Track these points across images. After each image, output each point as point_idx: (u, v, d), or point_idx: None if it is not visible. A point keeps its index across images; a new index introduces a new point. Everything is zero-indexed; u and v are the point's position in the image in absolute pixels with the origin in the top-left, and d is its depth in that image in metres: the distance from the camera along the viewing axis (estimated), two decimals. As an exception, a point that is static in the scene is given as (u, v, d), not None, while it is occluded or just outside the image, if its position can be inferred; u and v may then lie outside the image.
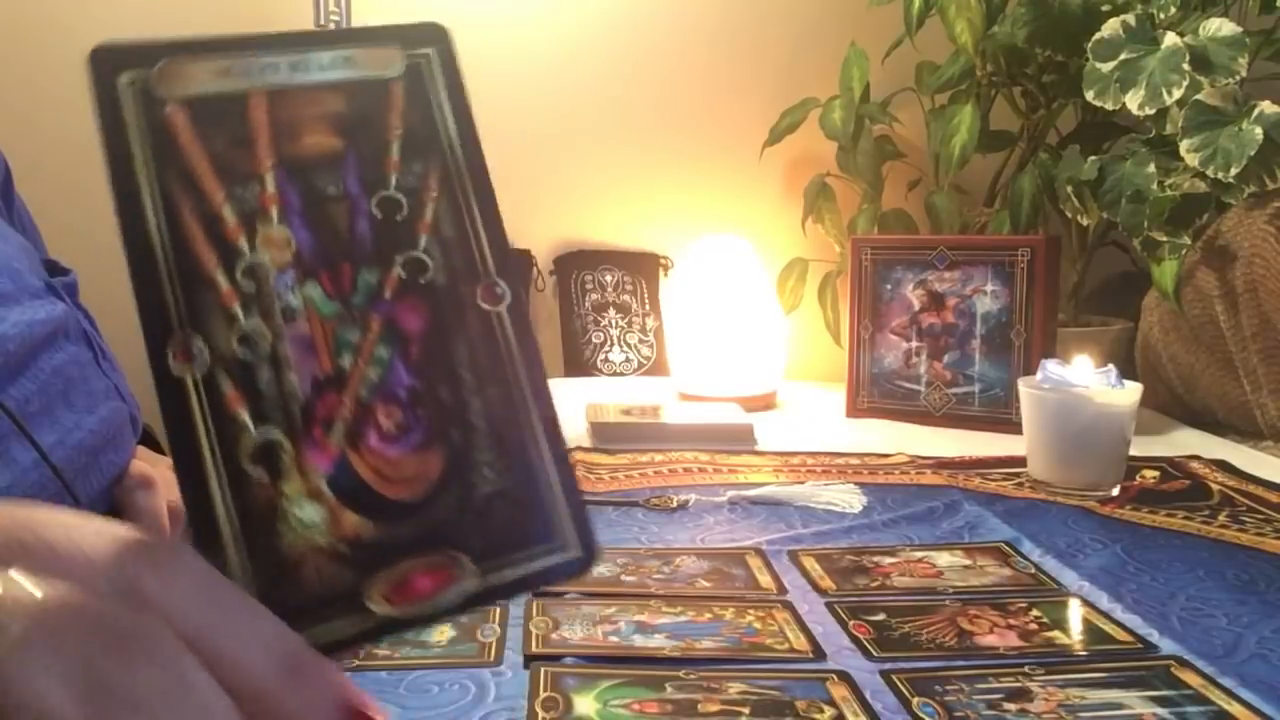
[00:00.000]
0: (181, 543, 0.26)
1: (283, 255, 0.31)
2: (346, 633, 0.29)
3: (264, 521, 0.29)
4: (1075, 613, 0.60)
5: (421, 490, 0.30)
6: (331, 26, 1.43)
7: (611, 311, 1.63)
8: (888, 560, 0.69)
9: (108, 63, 0.32)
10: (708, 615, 0.59)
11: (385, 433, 0.30)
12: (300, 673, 0.25)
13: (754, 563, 0.68)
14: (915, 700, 0.49)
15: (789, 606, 0.60)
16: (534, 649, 0.54)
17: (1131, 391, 0.84)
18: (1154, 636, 0.56)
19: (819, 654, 0.54)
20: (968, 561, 0.69)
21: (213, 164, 0.31)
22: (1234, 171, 1.01)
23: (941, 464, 0.94)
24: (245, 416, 0.30)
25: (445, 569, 0.30)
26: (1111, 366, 0.86)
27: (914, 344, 1.16)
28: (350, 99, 0.33)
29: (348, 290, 0.31)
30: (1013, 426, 1.04)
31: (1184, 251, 1.09)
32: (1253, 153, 1.00)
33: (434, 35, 0.34)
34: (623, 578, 0.65)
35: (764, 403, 1.27)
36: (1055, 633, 0.57)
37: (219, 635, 0.25)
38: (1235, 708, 0.48)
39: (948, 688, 0.50)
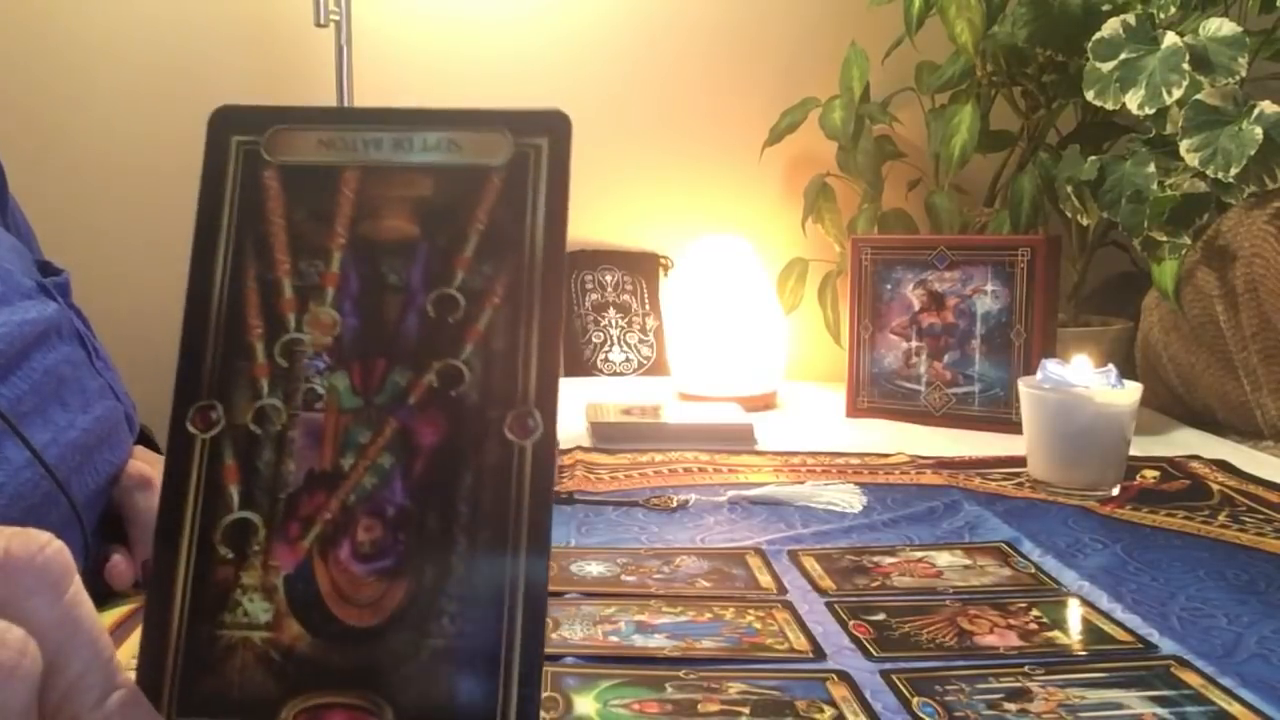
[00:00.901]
0: (66, 561, 0.27)
1: (324, 338, 0.30)
2: None
3: (214, 601, 0.28)
4: (1075, 613, 0.60)
5: (373, 621, 0.28)
6: (331, 23, 1.43)
7: (611, 311, 1.63)
8: (888, 560, 0.69)
9: (225, 123, 0.32)
10: (708, 615, 0.59)
11: (359, 548, 0.29)
12: (122, 713, 0.26)
13: (754, 563, 0.68)
14: (915, 700, 0.49)
15: (789, 606, 0.60)
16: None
17: (1131, 391, 0.84)
18: (1154, 636, 0.56)
19: (819, 654, 0.54)
20: (968, 561, 0.69)
21: (288, 233, 0.31)
22: (1234, 171, 1.01)
23: (941, 464, 0.94)
24: (233, 492, 0.29)
25: (365, 715, 0.28)
26: (1111, 366, 0.86)
27: (914, 344, 1.16)
28: (441, 185, 0.32)
29: (374, 387, 0.30)
30: (1013, 426, 1.04)
31: (1184, 251, 1.09)
32: (1253, 153, 1.00)
33: (551, 124, 0.32)
34: (623, 578, 0.65)
35: (764, 403, 1.27)
36: (1055, 633, 0.57)
37: (63, 652, 0.26)
38: (1235, 708, 0.48)
39: (948, 688, 0.50)
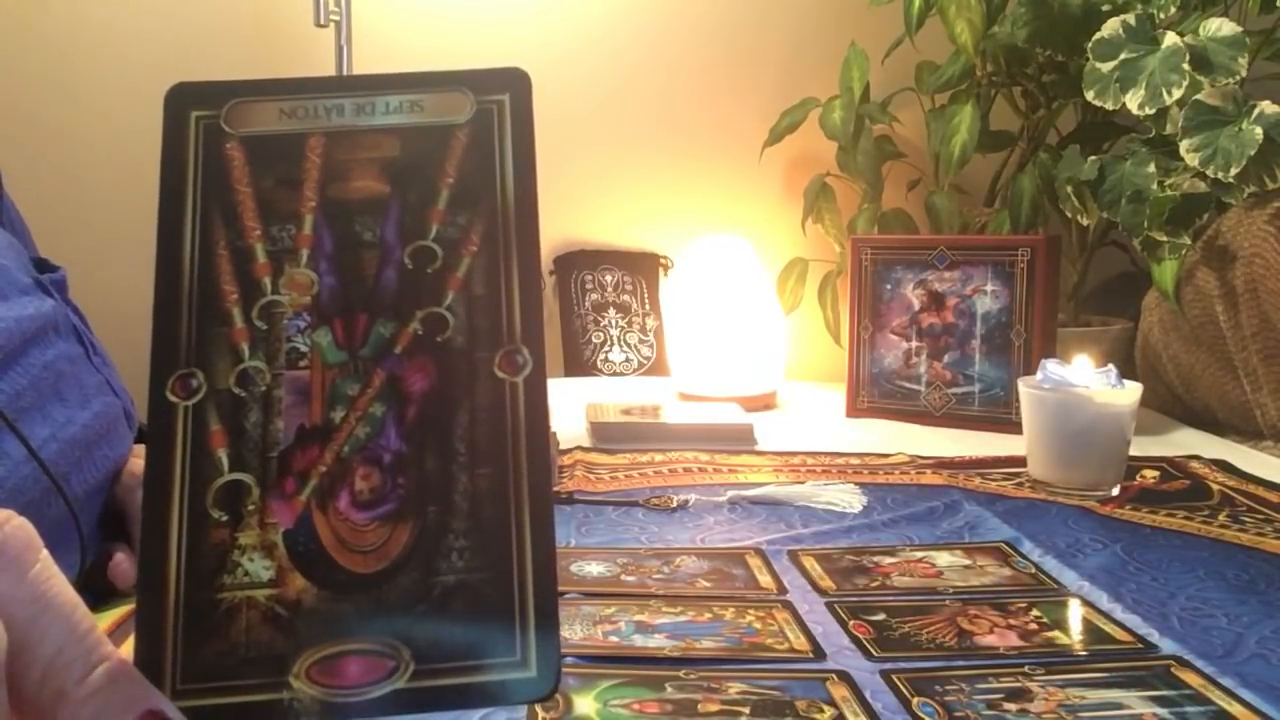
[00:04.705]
0: (29, 536, 0.26)
1: (303, 298, 0.31)
2: (257, 701, 0.27)
3: (211, 565, 0.28)
4: (1075, 613, 0.60)
5: (379, 565, 0.29)
6: (331, 23, 1.43)
7: (611, 311, 1.63)
8: (888, 560, 0.69)
9: (182, 100, 0.33)
10: (708, 615, 0.59)
11: (357, 496, 0.29)
12: (110, 688, 0.25)
13: (754, 563, 0.68)
14: (915, 700, 0.49)
15: (789, 606, 0.60)
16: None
17: (1131, 391, 0.84)
18: (1154, 636, 0.56)
19: (819, 654, 0.54)
20: (968, 561, 0.69)
21: (256, 201, 0.31)
22: (1234, 171, 1.01)
23: (941, 464, 0.94)
24: (222, 456, 0.29)
25: (382, 659, 0.28)
26: (1111, 366, 0.86)
27: (914, 344, 1.16)
28: (408, 144, 0.32)
29: (358, 340, 0.31)
30: (1013, 426, 1.04)
31: (1184, 251, 1.09)
32: (1253, 153, 1.00)
33: (511, 81, 0.33)
34: (623, 578, 0.65)
35: (764, 403, 1.27)
36: (1055, 633, 0.57)
37: (35, 629, 0.25)
38: (1235, 708, 0.48)
39: (948, 688, 0.50)
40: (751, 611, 0.59)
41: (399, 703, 0.27)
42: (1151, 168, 1.09)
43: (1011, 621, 0.58)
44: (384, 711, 0.27)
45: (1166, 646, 0.55)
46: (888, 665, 0.53)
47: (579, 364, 1.59)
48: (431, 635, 0.28)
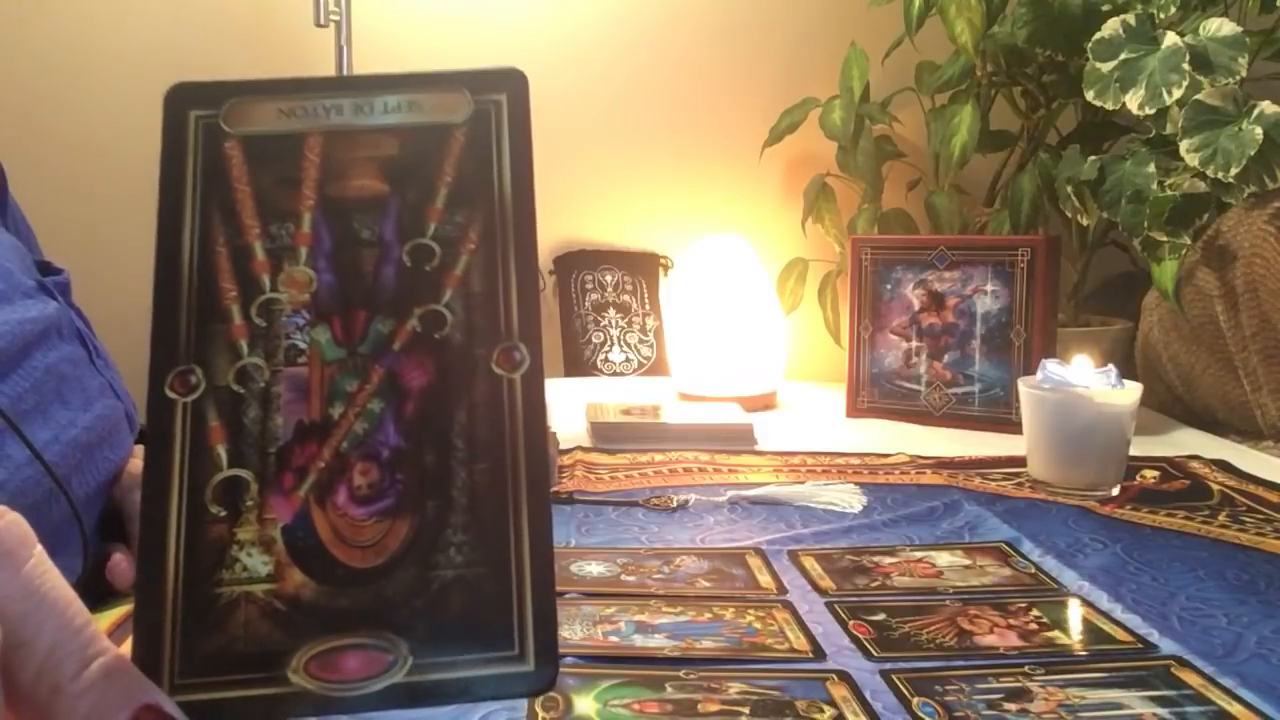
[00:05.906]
0: (23, 532, 0.26)
1: (301, 295, 0.31)
2: (255, 695, 0.27)
3: (209, 560, 0.28)
4: (1075, 613, 0.60)
5: (377, 560, 0.29)
6: (331, 23, 1.43)
7: (611, 311, 1.63)
8: (888, 560, 0.69)
9: (181, 99, 0.33)
10: (708, 615, 0.59)
11: (356, 492, 0.29)
12: (106, 682, 0.25)
13: (754, 563, 0.68)
14: (915, 700, 0.49)
15: (789, 606, 0.60)
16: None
17: (1131, 391, 0.84)
18: (1154, 636, 0.56)
19: (819, 654, 0.54)
20: (968, 561, 0.69)
21: (255, 200, 0.32)
22: (1234, 171, 1.01)
23: (941, 464, 0.94)
24: (221, 452, 0.29)
25: (380, 653, 0.28)
26: (1111, 366, 0.86)
27: (914, 344, 1.16)
28: (406, 143, 0.32)
29: (357, 337, 0.31)
30: (1013, 426, 1.04)
31: (1184, 251, 1.09)
32: (1253, 153, 1.00)
33: (508, 81, 0.33)
34: (623, 578, 0.65)
35: (764, 403, 1.27)
36: (1055, 633, 0.57)
37: (30, 625, 0.25)
38: (1235, 708, 0.48)
39: (948, 688, 0.50)
40: (751, 611, 0.59)
41: (397, 697, 0.27)
42: (1151, 168, 1.09)
43: (1011, 621, 0.59)
44: (382, 706, 0.27)
45: (1166, 646, 0.55)
46: (888, 665, 0.53)
47: (579, 364, 1.59)
48: (429, 630, 0.28)
